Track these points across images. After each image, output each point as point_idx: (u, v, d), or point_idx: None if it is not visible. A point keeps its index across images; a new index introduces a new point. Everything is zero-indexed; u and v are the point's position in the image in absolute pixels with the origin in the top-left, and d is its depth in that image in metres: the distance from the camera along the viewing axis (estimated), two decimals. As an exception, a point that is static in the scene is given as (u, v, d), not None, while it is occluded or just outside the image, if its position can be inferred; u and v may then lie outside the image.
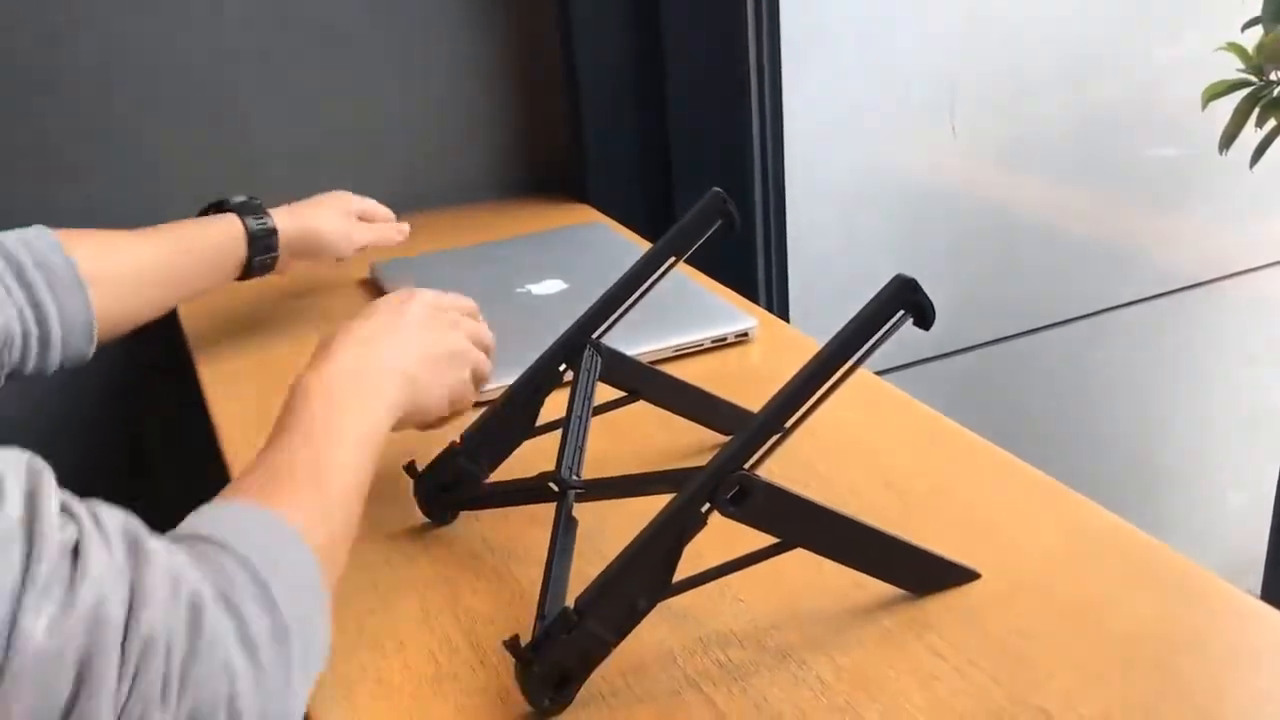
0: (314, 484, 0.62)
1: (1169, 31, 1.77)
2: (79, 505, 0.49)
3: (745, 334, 1.04)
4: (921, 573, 0.68)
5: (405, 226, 1.21)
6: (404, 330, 0.76)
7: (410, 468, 0.78)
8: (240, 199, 1.05)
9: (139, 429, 1.43)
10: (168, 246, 0.98)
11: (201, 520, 0.56)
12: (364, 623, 0.70)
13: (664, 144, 1.48)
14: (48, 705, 0.43)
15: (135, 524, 0.50)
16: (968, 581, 0.69)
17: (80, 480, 0.58)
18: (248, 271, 1.05)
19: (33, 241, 0.86)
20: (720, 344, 1.04)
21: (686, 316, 1.06)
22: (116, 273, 0.92)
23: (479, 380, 0.81)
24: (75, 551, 0.46)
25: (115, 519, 0.49)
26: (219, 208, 1.06)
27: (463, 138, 1.51)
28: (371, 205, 1.19)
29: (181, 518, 0.57)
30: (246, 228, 1.03)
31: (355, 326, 0.74)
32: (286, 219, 1.07)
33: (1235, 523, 2.09)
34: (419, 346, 0.76)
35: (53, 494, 0.47)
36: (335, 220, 1.12)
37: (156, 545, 0.50)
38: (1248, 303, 2.06)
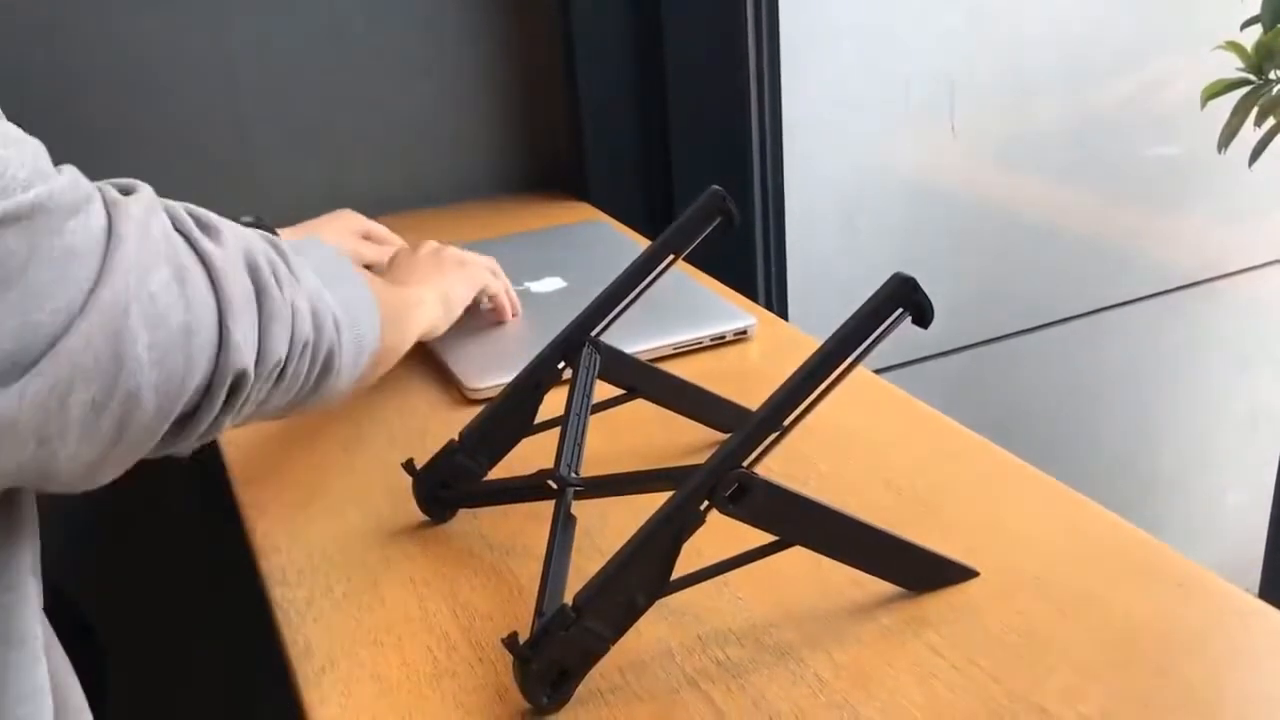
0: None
1: (1168, 30, 1.77)
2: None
3: (744, 332, 1.05)
4: (920, 571, 0.68)
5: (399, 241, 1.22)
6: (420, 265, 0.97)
7: (409, 465, 0.78)
8: (248, 219, 1.05)
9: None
10: None
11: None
12: (362, 619, 0.70)
13: (664, 142, 1.48)
14: (246, 290, 0.58)
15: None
16: (966, 580, 0.69)
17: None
18: None
19: None
20: (719, 342, 1.04)
21: (686, 314, 1.06)
22: None
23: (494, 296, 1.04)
24: (199, 223, 0.57)
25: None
26: None
27: (463, 136, 1.51)
28: (377, 227, 1.19)
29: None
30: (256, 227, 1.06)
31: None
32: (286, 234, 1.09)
33: (1233, 521, 2.10)
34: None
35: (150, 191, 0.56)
36: (340, 239, 1.14)
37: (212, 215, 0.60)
38: (1246, 301, 2.07)
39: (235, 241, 0.58)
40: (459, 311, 0.99)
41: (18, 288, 0.44)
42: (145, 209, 0.53)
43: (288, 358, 0.61)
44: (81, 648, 0.61)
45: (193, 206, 0.58)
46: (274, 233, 1.03)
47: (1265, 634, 0.65)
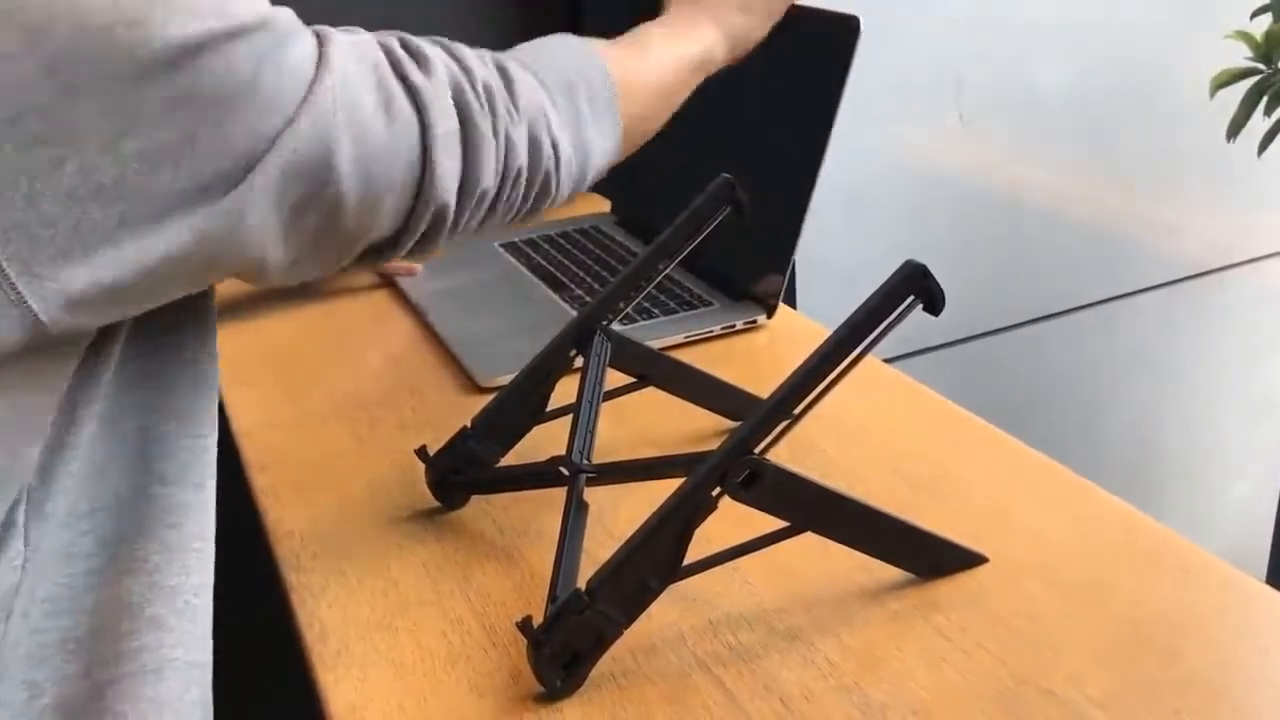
0: (644, 52, 0.83)
1: (1177, 19, 1.76)
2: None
3: (755, 321, 1.05)
4: (929, 557, 0.69)
5: (418, 267, 1.21)
6: None
7: (422, 452, 0.79)
8: None
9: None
10: None
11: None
12: (377, 604, 0.71)
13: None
14: (451, 125, 0.61)
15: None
16: (975, 565, 0.69)
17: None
18: None
19: None
20: (730, 330, 1.04)
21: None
22: None
23: None
24: (406, 48, 0.61)
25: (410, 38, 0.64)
26: None
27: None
28: None
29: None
30: None
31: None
32: None
33: (1241, 510, 2.10)
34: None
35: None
36: None
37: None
38: (1255, 291, 2.06)
39: (445, 73, 0.61)
40: (746, 49, 0.96)
41: (246, 98, 0.50)
42: (353, 41, 0.58)
43: (499, 189, 0.65)
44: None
45: (408, 37, 0.63)
46: None
47: (1271, 619, 0.65)
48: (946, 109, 1.68)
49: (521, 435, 0.80)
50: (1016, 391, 1.87)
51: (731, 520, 0.61)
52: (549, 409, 0.80)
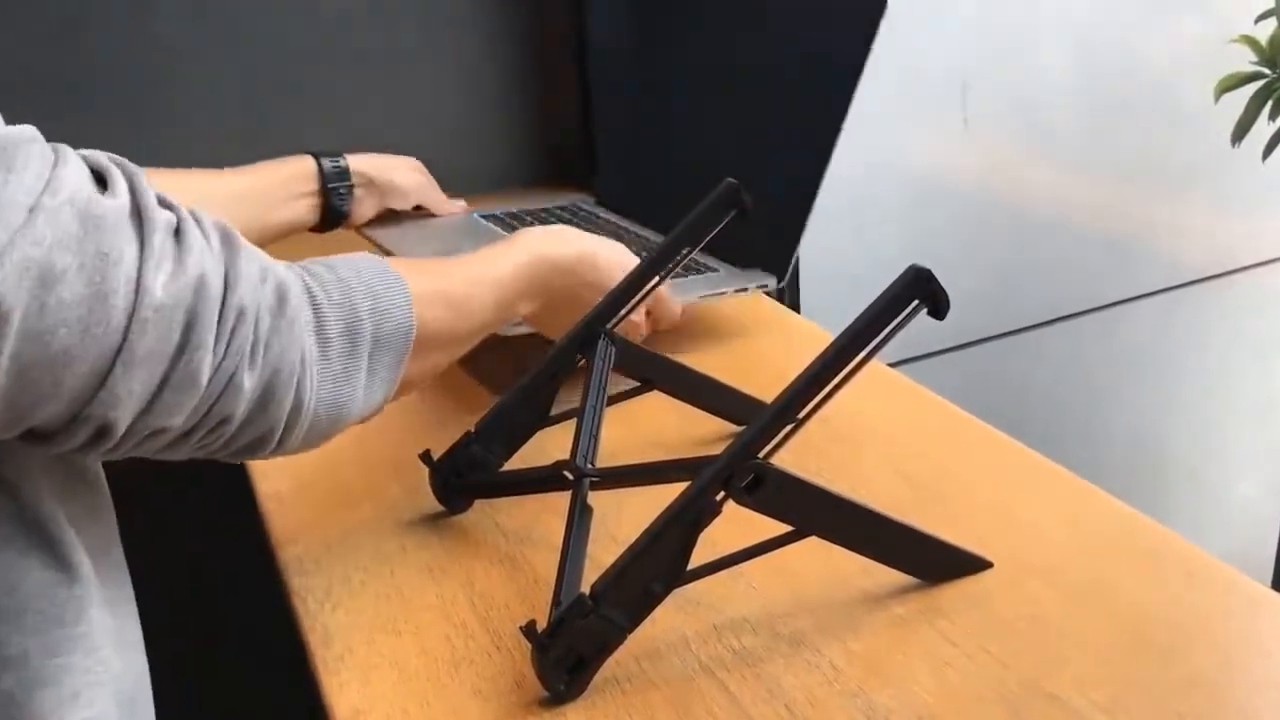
0: (449, 281, 0.73)
1: (1182, 23, 1.77)
2: (173, 198, 0.54)
3: (766, 286, 1.04)
4: (934, 561, 0.69)
5: (463, 203, 1.33)
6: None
7: (426, 456, 0.79)
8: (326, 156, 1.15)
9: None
10: (240, 179, 1.06)
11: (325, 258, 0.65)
12: (380, 608, 0.71)
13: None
14: (163, 350, 0.50)
15: (228, 224, 0.56)
16: (979, 570, 0.69)
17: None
18: (326, 212, 1.14)
19: None
20: (742, 292, 1.04)
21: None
22: (193, 191, 0.93)
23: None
24: (177, 232, 0.52)
25: (210, 216, 0.55)
26: None
27: (473, 133, 1.51)
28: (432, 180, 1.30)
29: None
30: (319, 164, 1.13)
31: (592, 252, 0.86)
32: (359, 159, 1.17)
33: (1245, 513, 2.10)
34: (568, 319, 0.83)
35: (148, 188, 0.52)
36: (407, 167, 1.25)
37: (244, 240, 0.56)
38: (1259, 296, 2.06)
39: (193, 280, 0.51)
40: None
41: None
42: (102, 204, 0.48)
43: (190, 432, 0.54)
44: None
45: (190, 221, 0.53)
46: (338, 161, 1.15)
47: (1275, 622, 0.65)
48: (952, 113, 1.69)
49: (525, 439, 0.80)
50: (1020, 395, 1.87)
51: (735, 524, 0.61)
52: (553, 413, 0.80)
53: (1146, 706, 0.58)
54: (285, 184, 1.10)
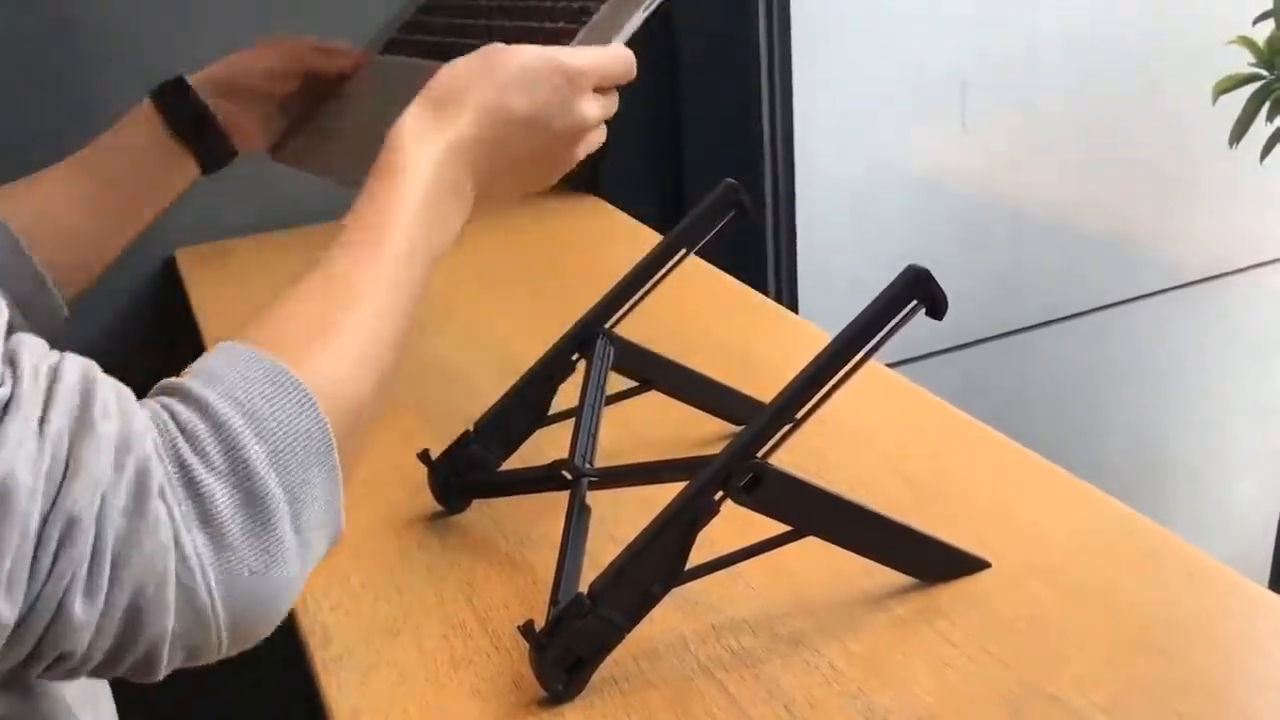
0: (361, 313, 0.55)
1: (1180, 25, 1.77)
2: (30, 356, 0.44)
3: None
4: (933, 561, 0.69)
5: (346, 43, 0.93)
6: (538, 148, 0.68)
7: (424, 456, 0.79)
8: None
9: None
10: (83, 157, 0.83)
11: (198, 369, 0.49)
12: (379, 609, 0.71)
13: (676, 136, 1.49)
14: None
15: (96, 379, 0.45)
16: (978, 570, 0.69)
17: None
18: (193, 144, 0.84)
19: None
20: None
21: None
22: (41, 206, 0.80)
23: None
24: (4, 409, 0.41)
25: (74, 373, 0.44)
26: None
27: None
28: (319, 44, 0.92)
29: None
30: (152, 95, 0.84)
31: (510, 105, 0.65)
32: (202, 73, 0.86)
33: (1244, 514, 2.10)
34: (534, 166, 0.69)
35: None
36: (261, 48, 0.89)
37: (111, 404, 0.44)
38: (1257, 297, 2.07)
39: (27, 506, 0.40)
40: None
41: None
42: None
43: (27, 661, 0.43)
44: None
45: (65, 369, 0.44)
46: (183, 81, 0.85)
47: (1274, 623, 0.65)
48: (951, 113, 1.69)
49: (524, 439, 0.80)
50: (1019, 397, 1.87)
51: (734, 524, 0.61)
52: (551, 413, 0.80)
53: (1146, 707, 0.58)
54: (126, 133, 0.83)
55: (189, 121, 0.84)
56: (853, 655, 0.63)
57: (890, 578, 0.68)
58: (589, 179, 1.50)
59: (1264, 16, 1.55)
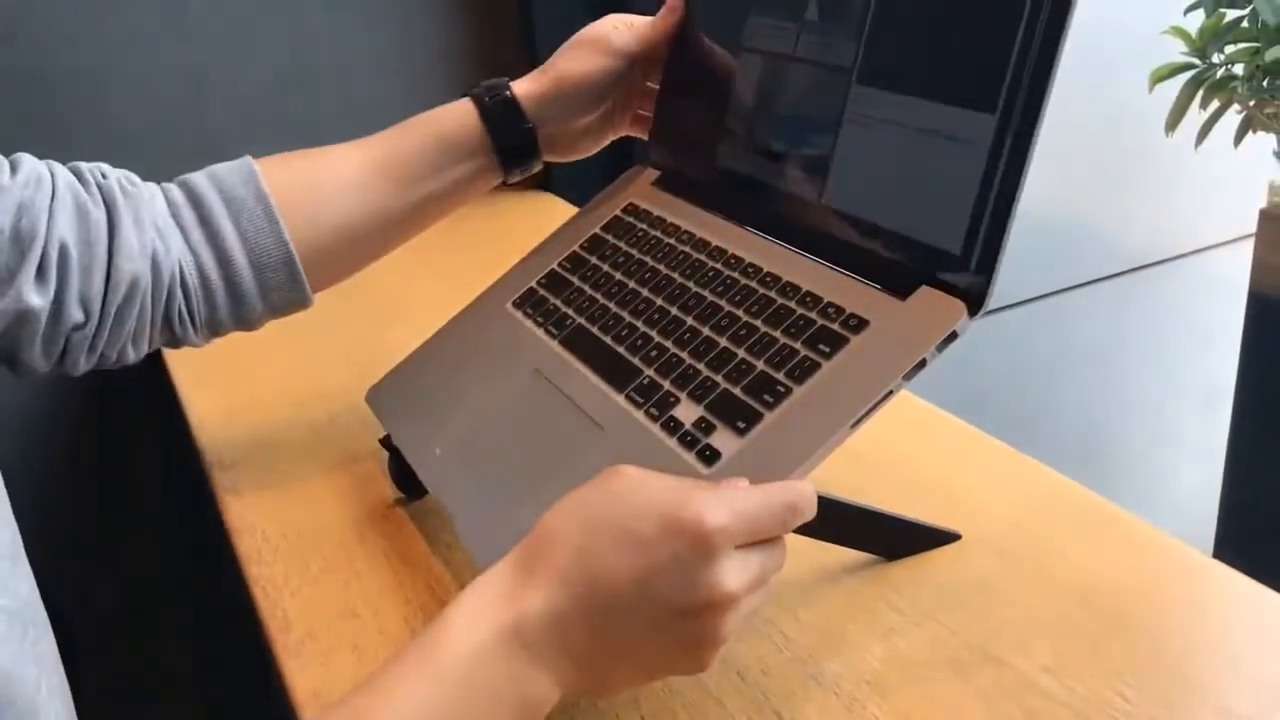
0: None
1: (1123, 15, 1.80)
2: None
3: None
4: (903, 542, 0.70)
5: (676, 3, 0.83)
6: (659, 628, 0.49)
7: (386, 441, 0.79)
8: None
9: (110, 425, 1.43)
10: (382, 147, 0.81)
11: None
12: (340, 593, 0.71)
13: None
14: None
15: None
16: (948, 543, 0.71)
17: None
18: (505, 161, 0.82)
19: (225, 176, 0.77)
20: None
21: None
22: (319, 194, 0.79)
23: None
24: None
25: None
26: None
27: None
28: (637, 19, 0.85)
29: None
30: (477, 101, 0.81)
31: (603, 577, 0.48)
32: (527, 81, 0.82)
33: (1190, 496, 2.14)
34: (657, 654, 0.50)
35: None
36: (581, 48, 0.83)
37: None
38: (1199, 282, 2.11)
39: None
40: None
41: None
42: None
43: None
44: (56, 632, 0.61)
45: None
46: (500, 91, 0.81)
47: (1210, 585, 0.67)
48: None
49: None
50: (967, 382, 1.90)
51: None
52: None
53: (1087, 664, 0.60)
54: (439, 136, 0.80)
55: (514, 150, 0.82)
56: (804, 625, 0.65)
57: (843, 552, 0.70)
58: (540, 176, 1.51)
59: (1195, 6, 1.58)
